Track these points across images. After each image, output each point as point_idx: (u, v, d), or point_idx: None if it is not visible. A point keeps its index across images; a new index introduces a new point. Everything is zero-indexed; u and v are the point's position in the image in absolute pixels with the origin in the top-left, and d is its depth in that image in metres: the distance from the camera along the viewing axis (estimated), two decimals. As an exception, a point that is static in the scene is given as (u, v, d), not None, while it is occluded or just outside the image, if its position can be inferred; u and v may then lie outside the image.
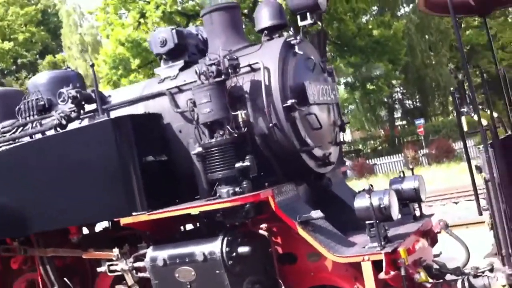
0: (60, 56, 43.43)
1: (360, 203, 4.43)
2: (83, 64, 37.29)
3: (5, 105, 6.64)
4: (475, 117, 4.27)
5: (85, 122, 5.63)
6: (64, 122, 5.43)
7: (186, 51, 5.55)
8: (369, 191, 4.37)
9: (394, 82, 38.66)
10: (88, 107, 5.59)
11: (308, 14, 5.13)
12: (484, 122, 4.30)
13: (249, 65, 4.91)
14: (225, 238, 4.51)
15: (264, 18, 5.34)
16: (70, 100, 5.41)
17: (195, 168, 4.94)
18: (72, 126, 5.56)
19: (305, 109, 5.00)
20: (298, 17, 5.19)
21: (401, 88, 43.21)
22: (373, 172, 25.44)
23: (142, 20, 22.50)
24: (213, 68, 4.66)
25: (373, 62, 26.14)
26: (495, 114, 4.83)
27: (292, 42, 5.12)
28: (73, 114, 5.46)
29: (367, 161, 26.37)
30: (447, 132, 34.58)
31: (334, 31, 24.85)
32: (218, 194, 4.64)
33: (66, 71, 6.61)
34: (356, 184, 18.00)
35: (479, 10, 5.40)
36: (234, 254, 4.49)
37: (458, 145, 26.86)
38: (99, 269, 5.31)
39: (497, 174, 4.13)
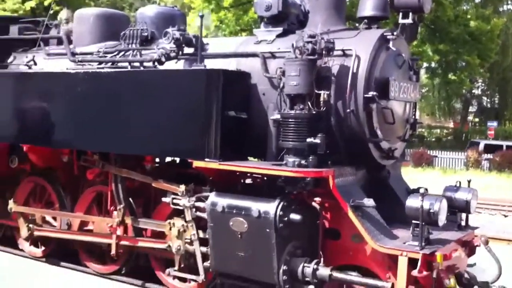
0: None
1: (411, 202, 4.72)
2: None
3: (111, 26, 7.14)
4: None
5: (181, 63, 6.09)
6: (163, 59, 5.89)
7: (287, 19, 5.81)
8: (423, 194, 4.65)
9: (477, 77, 37.30)
10: (186, 50, 6.00)
11: (410, 13, 5.29)
12: None
13: (343, 50, 5.16)
14: (281, 203, 4.90)
15: (368, 6, 5.53)
16: (173, 40, 5.84)
17: (269, 131, 5.33)
18: (168, 63, 6.03)
19: (384, 103, 5.24)
20: (400, 14, 5.36)
21: (483, 85, 41.67)
22: (431, 164, 25.14)
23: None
24: (309, 46, 4.94)
25: (462, 53, 25.31)
26: None
27: (388, 37, 5.32)
28: (173, 54, 5.88)
29: (428, 151, 26.00)
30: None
31: (430, 14, 24.13)
32: (285, 162, 5.02)
33: (172, 9, 7.03)
34: (411, 173, 17.95)
35: None
36: (286, 218, 4.89)
37: (525, 158, 26.03)
38: (163, 199, 5.85)
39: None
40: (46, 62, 7.41)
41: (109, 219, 6.44)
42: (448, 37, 25.12)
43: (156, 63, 5.99)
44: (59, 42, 7.65)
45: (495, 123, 30.56)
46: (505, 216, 13.89)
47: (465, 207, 5.36)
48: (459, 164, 26.00)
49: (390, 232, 5.03)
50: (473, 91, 42.15)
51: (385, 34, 5.35)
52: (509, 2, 35.23)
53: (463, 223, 5.56)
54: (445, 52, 25.26)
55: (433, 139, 36.40)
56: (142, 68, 6.21)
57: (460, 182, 5.49)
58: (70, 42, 7.23)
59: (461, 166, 25.73)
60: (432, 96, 41.83)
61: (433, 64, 31.19)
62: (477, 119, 45.23)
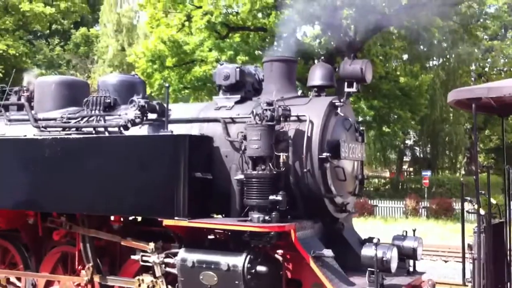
0: (94, 31, 44.43)
1: (366, 251, 5.23)
2: (115, 43, 38.16)
3: (72, 93, 7.47)
4: (476, 206, 5.13)
5: (145, 128, 6.50)
6: (129, 125, 6.28)
7: (244, 87, 6.38)
8: (376, 244, 5.18)
9: (409, 130, 39.28)
10: (150, 115, 6.42)
11: (354, 83, 5.96)
12: (483, 210, 5.16)
13: (297, 116, 5.75)
14: (248, 256, 5.32)
15: (317, 77, 6.22)
16: (138, 108, 6.25)
17: (232, 190, 5.79)
18: (133, 129, 6.40)
19: (336, 162, 5.82)
20: (346, 83, 6.01)
21: (415, 136, 43.87)
22: (372, 213, 26.11)
23: (186, 23, 23.48)
24: (268, 113, 5.50)
25: (394, 108, 26.93)
26: (493, 201, 5.66)
27: (336, 104, 5.97)
28: (137, 120, 6.31)
29: (369, 201, 27.02)
30: (450, 188, 35.24)
31: (363, 71, 25.66)
32: (250, 218, 5.45)
33: (133, 77, 7.46)
34: (354, 222, 18.57)
35: (499, 112, 6.29)
36: (253, 270, 5.29)
37: (457, 205, 27.59)
38: (133, 257, 6.12)
39: (483, 256, 4.95)
40: (8, 127, 7.56)
41: (77, 277, 6.58)
42: (380, 93, 26.73)
43: (121, 129, 6.35)
44: (19, 108, 7.85)
45: (429, 172, 32.09)
46: (445, 261, 14.72)
47: (413, 254, 5.90)
48: (399, 212, 27.12)
49: (348, 280, 5.46)
50: (406, 142, 44.23)
51: (333, 101, 5.99)
52: (435, 58, 37.76)
53: (411, 269, 6.08)
54: (378, 107, 26.79)
55: (371, 189, 37.71)
56: (106, 133, 6.55)
57: (406, 232, 6.05)
58: (31, 108, 7.46)
59: (401, 214, 26.84)
60: (369, 147, 43.59)
61: (367, 118, 32.87)
62: (411, 169, 47.23)
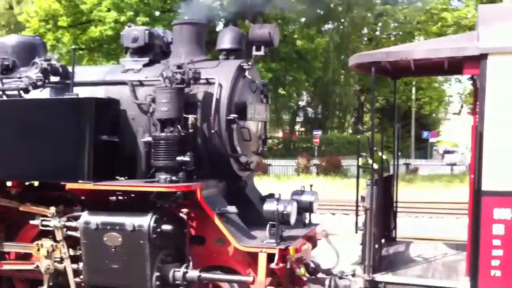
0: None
1: (268, 206, 5.57)
2: (2, 1, 35.38)
3: None
4: (370, 161, 5.71)
5: (46, 91, 6.32)
6: (30, 88, 6.09)
7: (152, 50, 6.38)
8: (278, 199, 5.59)
9: (303, 91, 40.67)
10: (52, 78, 6.25)
11: (262, 47, 6.20)
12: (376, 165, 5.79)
13: (206, 79, 5.90)
14: (154, 216, 5.50)
15: (226, 40, 6.36)
16: (39, 70, 6.06)
17: (138, 153, 5.90)
18: (34, 92, 6.21)
19: (242, 123, 6.08)
20: (254, 47, 6.23)
21: (308, 98, 45.51)
22: (267, 172, 27.09)
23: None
24: (178, 75, 5.60)
25: (290, 71, 27.78)
26: (384, 157, 6.32)
27: (244, 67, 6.17)
28: (39, 83, 6.11)
29: (263, 161, 27.96)
30: (338, 146, 37.34)
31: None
32: (157, 179, 5.60)
33: (34, 38, 7.16)
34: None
35: (393, 75, 6.93)
36: (159, 229, 5.48)
37: (345, 162, 29.41)
38: (32, 222, 6.05)
39: (375, 206, 5.57)
40: None
41: None
42: (278, 56, 27.40)
43: (21, 92, 6.15)
44: None
45: (320, 132, 33.74)
46: (333, 214, 15.89)
47: (309, 207, 6.37)
48: (291, 170, 28.38)
49: (249, 234, 5.81)
50: (300, 103, 45.82)
51: (241, 64, 6.19)
52: (330, 22, 39.01)
53: (307, 221, 6.59)
54: (276, 70, 27.48)
55: (265, 149, 38.88)
56: (4, 97, 6.32)
57: (304, 187, 6.54)
58: None
59: (293, 172, 28.12)
60: (264, 108, 44.53)
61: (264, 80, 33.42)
62: (303, 129, 49.18)
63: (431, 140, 43.95)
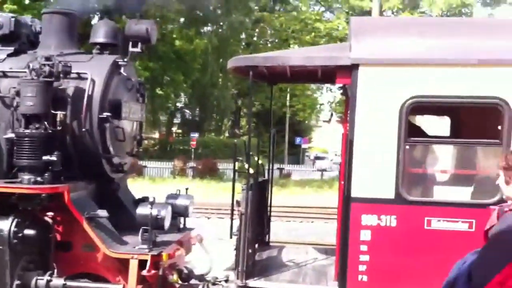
0: None
1: (142, 210, 5.34)
2: None
3: None
4: (246, 166, 5.71)
5: None
6: None
7: (19, 39, 5.91)
8: (152, 203, 5.38)
9: (181, 92, 40.42)
10: None
11: (139, 43, 5.94)
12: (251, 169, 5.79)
13: (78, 73, 5.54)
14: (15, 219, 5.04)
15: (100, 33, 6.03)
16: None
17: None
18: None
19: (116, 122, 5.79)
20: (130, 43, 5.96)
21: (186, 99, 45.30)
22: (141, 174, 26.45)
23: None
24: (47, 68, 5.19)
25: (168, 70, 27.42)
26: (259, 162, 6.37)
27: (120, 63, 5.89)
28: None
29: (138, 162, 27.29)
30: (214, 149, 37.58)
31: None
32: (19, 179, 5.14)
33: None
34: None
35: (270, 80, 7.03)
36: (20, 234, 5.04)
37: (221, 166, 29.64)
38: None
39: (250, 210, 5.57)
40: None
41: None
42: (155, 55, 26.90)
43: None
44: None
45: (196, 134, 33.68)
46: (208, 218, 15.86)
47: (184, 211, 6.23)
48: (167, 172, 27.99)
49: (121, 239, 5.55)
50: (177, 104, 45.44)
51: (117, 60, 5.90)
52: (209, 25, 39.15)
53: (181, 226, 6.45)
54: (153, 69, 26.96)
55: (141, 150, 38.01)
56: None
57: (179, 190, 6.39)
58: None
59: (169, 174, 27.75)
60: (140, 108, 43.50)
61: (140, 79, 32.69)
62: (180, 131, 48.83)
63: (303, 146, 45.76)
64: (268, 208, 7.24)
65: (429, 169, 5.89)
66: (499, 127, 5.04)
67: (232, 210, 6.12)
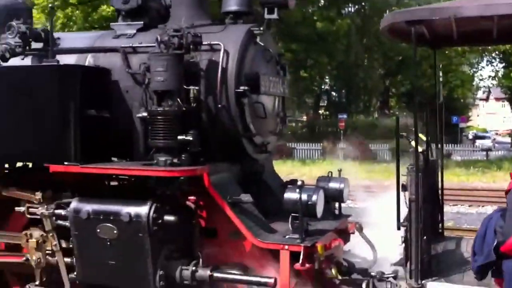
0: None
1: (289, 195, 4.65)
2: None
3: None
4: (412, 143, 4.62)
5: (28, 59, 5.47)
6: (7, 55, 5.26)
7: (147, 13, 5.55)
8: (300, 187, 4.60)
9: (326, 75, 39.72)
10: (34, 45, 5.41)
11: (275, 9, 5.27)
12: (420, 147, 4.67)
13: (210, 45, 5.01)
14: (154, 204, 4.61)
15: (232, 1, 5.46)
16: (18, 35, 5.22)
17: (135, 130, 5.04)
18: (14, 60, 5.39)
19: (255, 97, 5.18)
20: (266, 9, 5.33)
21: (331, 82, 44.50)
22: (291, 155, 26.25)
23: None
24: (176, 39, 4.72)
25: (311, 52, 26.77)
26: (424, 138, 5.22)
27: (255, 32, 5.26)
28: (18, 49, 5.29)
29: (287, 144, 27.16)
30: (363, 131, 36.29)
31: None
32: (155, 161, 4.73)
33: (16, 2, 6.31)
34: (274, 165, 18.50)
35: (432, 44, 5.79)
36: (160, 221, 4.61)
37: (373, 146, 28.36)
38: (17, 209, 5.24)
39: (421, 197, 4.52)
40: None
41: None
42: (298, 37, 26.33)
43: (-1, 59, 5.32)
44: None
45: (345, 115, 32.77)
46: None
47: (338, 196, 5.42)
48: (317, 154, 27.44)
49: (269, 227, 4.94)
50: (323, 86, 44.79)
51: (252, 29, 5.28)
52: (351, 4, 37.79)
53: (336, 212, 5.63)
54: (296, 51, 26.45)
55: (289, 132, 38.06)
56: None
57: (331, 172, 5.56)
58: None
59: (319, 156, 27.16)
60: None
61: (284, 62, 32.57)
62: (327, 112, 48.17)
63: (461, 125, 42.46)
64: (439, 192, 6.02)
65: None
66: None
67: (398, 196, 5.05)
